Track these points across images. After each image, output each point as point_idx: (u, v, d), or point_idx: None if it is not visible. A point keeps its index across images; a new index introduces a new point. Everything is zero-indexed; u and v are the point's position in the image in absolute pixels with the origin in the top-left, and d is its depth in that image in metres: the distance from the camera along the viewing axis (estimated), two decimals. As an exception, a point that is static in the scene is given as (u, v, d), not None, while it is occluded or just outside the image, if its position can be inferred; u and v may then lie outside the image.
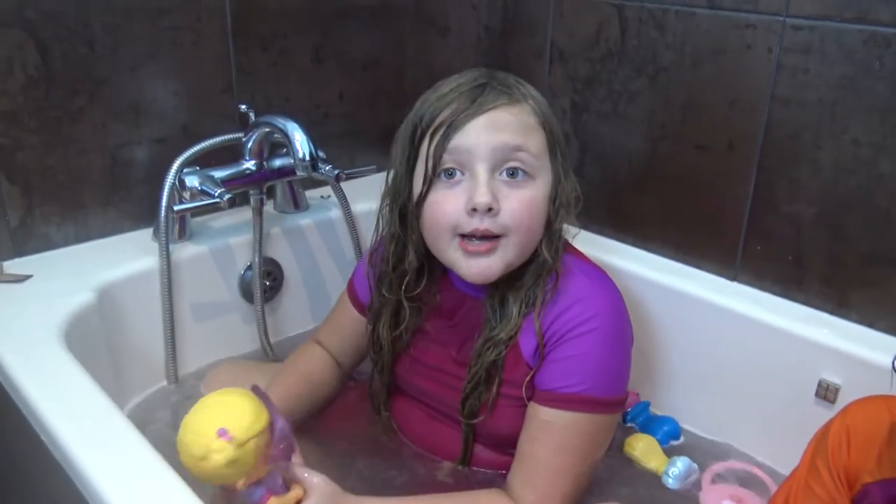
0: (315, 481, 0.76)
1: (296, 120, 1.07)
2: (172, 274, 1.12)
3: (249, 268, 1.23)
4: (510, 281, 0.86)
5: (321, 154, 1.11)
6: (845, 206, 0.98)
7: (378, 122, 1.45)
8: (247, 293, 1.24)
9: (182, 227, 1.18)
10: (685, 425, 1.11)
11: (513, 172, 0.81)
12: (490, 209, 0.80)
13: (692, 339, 1.09)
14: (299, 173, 1.07)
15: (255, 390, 0.74)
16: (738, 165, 1.06)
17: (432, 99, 0.84)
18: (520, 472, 0.84)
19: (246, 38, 1.25)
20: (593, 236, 1.23)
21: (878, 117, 0.93)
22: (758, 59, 1.01)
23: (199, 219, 1.25)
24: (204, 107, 1.23)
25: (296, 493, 0.75)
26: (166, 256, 1.10)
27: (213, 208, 1.10)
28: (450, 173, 0.82)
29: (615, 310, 0.86)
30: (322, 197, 1.37)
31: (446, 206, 0.82)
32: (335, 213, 1.33)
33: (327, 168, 1.12)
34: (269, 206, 1.30)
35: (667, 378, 1.13)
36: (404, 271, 0.90)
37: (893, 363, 0.67)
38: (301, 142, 1.04)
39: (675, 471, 0.99)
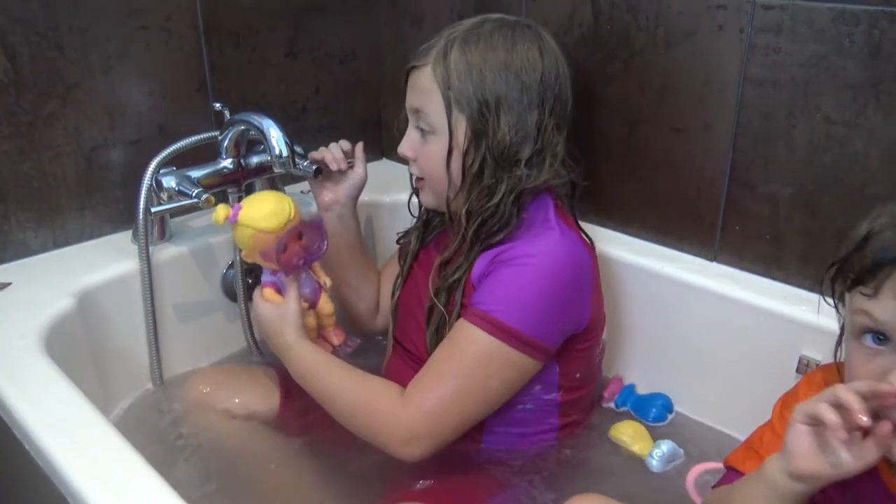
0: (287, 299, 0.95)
1: (271, 116, 1.06)
2: (153, 276, 1.11)
3: (231, 267, 1.22)
4: (477, 230, 0.93)
5: (298, 149, 1.10)
6: (820, 184, 0.98)
7: (356, 115, 1.45)
8: (229, 292, 1.23)
9: (161, 229, 1.17)
10: (679, 409, 1.12)
11: (419, 129, 0.94)
12: (406, 156, 0.96)
13: (674, 320, 1.10)
14: (277, 170, 1.07)
15: (317, 221, 0.97)
16: (715, 147, 1.06)
17: None
18: (420, 370, 0.90)
19: (218, 36, 1.24)
20: (581, 222, 1.22)
21: (850, 95, 0.93)
22: (730, 40, 1.01)
23: (178, 219, 1.24)
24: (179, 106, 1.22)
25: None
26: (146, 259, 1.10)
27: (190, 208, 1.10)
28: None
29: (559, 258, 0.89)
30: (301, 192, 1.34)
31: None
32: (315, 208, 1.29)
33: (305, 163, 1.10)
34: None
35: (650, 360, 1.14)
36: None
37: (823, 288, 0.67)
38: (277, 139, 1.03)
39: (660, 453, 1.00)
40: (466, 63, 0.90)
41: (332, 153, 1.07)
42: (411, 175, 1.01)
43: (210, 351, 1.22)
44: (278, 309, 0.95)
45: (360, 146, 1.09)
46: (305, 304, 0.97)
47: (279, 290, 0.97)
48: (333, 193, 1.08)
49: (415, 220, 1.09)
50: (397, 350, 1.05)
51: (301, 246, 0.94)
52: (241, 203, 0.94)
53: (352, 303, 1.13)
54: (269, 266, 0.96)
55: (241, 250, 0.97)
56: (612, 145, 1.17)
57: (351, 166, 1.09)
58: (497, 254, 0.90)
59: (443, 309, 0.93)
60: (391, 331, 1.07)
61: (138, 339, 1.12)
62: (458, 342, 0.88)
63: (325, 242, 0.97)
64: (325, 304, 1.01)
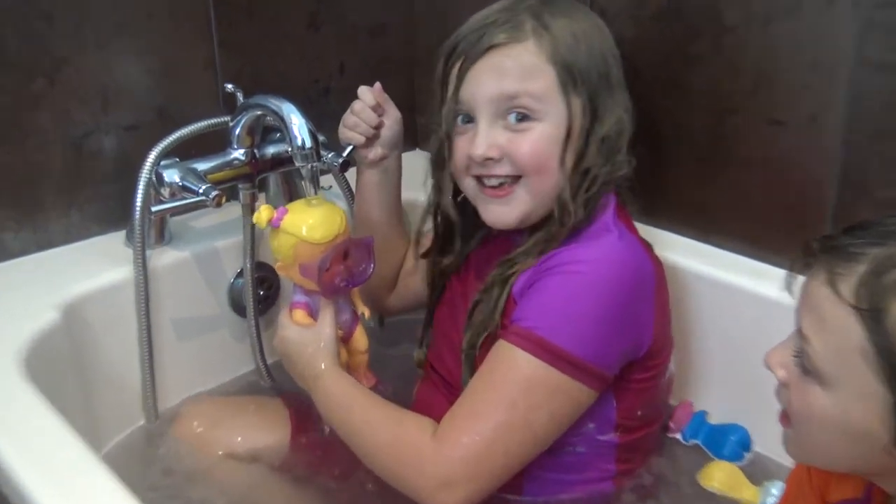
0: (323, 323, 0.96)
1: (291, 100, 1.05)
2: (150, 285, 1.11)
3: (240, 275, 1.22)
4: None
5: (322, 139, 1.09)
6: (954, 188, 0.96)
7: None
8: (237, 306, 1.24)
9: (160, 230, 1.17)
10: (758, 449, 1.10)
11: (517, 117, 0.91)
12: (490, 159, 0.92)
13: (763, 344, 1.04)
14: (298, 163, 1.04)
15: (366, 241, 0.98)
16: (822, 142, 1.04)
17: (465, 29, 0.95)
18: (456, 401, 0.89)
19: (229, 5, 1.24)
20: (646, 228, 1.19)
21: None
22: (841, 16, 0.98)
23: (178, 218, 1.23)
24: (183, 87, 1.22)
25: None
26: (142, 265, 1.10)
27: (196, 207, 1.10)
28: (466, 118, 0.95)
29: (617, 264, 0.88)
30: (323, 188, 1.33)
31: (460, 151, 0.96)
32: (338, 205, 1.27)
33: (330, 155, 1.10)
34: (261, 202, 1.25)
35: (738, 395, 1.12)
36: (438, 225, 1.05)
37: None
38: (299, 126, 1.01)
39: (773, 500, 0.99)
40: (572, 32, 0.91)
41: (363, 123, 1.07)
42: (433, 187, 1.01)
43: (213, 374, 1.23)
44: (310, 333, 0.96)
45: (377, 87, 1.08)
46: (340, 333, 0.98)
47: (311, 314, 0.98)
48: (381, 147, 1.09)
49: (435, 227, 1.07)
50: (430, 375, 1.05)
51: (345, 266, 0.95)
52: (288, 206, 0.95)
53: None
54: (305, 284, 0.96)
55: (276, 261, 0.98)
56: (695, 139, 1.16)
57: (381, 116, 1.09)
58: (542, 260, 0.90)
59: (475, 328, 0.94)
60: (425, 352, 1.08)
61: (131, 359, 1.12)
62: (497, 367, 0.87)
63: (372, 266, 0.98)
64: (360, 339, 1.01)
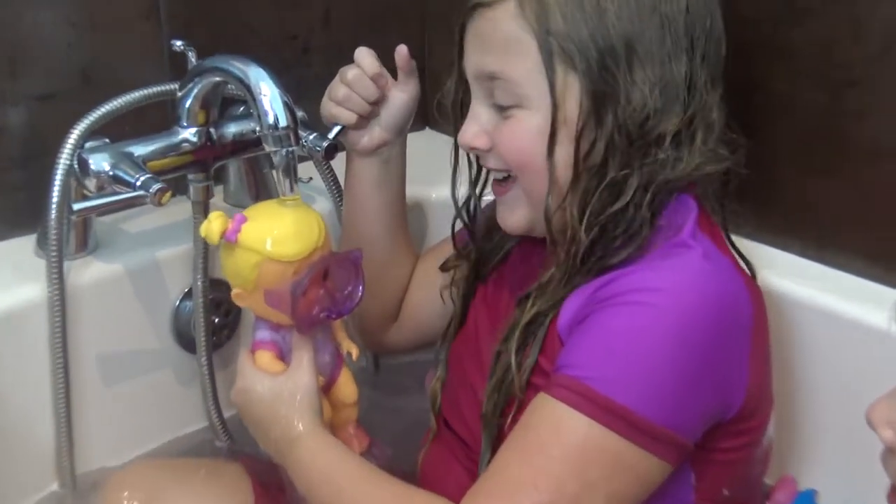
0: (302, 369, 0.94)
1: (260, 63, 0.99)
2: (68, 307, 1.10)
3: (188, 296, 1.20)
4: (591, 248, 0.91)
5: (301, 115, 1.04)
6: None
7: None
8: (184, 337, 1.22)
9: (82, 235, 1.15)
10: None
11: (502, 100, 0.91)
12: (475, 147, 0.93)
13: None
14: (269, 147, 0.97)
15: (352, 255, 0.95)
16: (981, 127, 0.99)
17: None
18: (481, 476, 0.87)
19: (178, -65, 1.21)
20: (737, 239, 1.14)
21: None
22: None
23: (107, 219, 1.22)
24: (115, 44, 1.21)
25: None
26: (58, 280, 1.08)
27: (131, 204, 1.07)
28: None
29: (700, 295, 0.84)
30: (301, 180, 1.27)
31: None
32: (321, 204, 1.28)
33: (311, 137, 1.07)
34: (218, 198, 1.26)
35: (860, 466, 1.01)
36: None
37: None
38: (271, 98, 0.96)
39: None
40: None
41: (357, 97, 1.04)
42: (474, 173, 1.01)
43: (151, 430, 1.21)
44: (282, 383, 0.93)
45: (403, 52, 1.05)
46: (321, 381, 0.94)
47: (281, 356, 0.95)
48: (380, 128, 1.06)
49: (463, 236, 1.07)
50: (443, 433, 1.03)
51: (326, 290, 0.92)
52: (246, 213, 0.92)
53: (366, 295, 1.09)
54: (272, 316, 0.93)
55: (231, 286, 0.94)
56: (801, 120, 1.13)
57: (383, 89, 1.05)
58: (598, 286, 0.86)
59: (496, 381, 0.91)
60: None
61: (42, 405, 1.11)
62: (538, 430, 0.84)
63: (361, 288, 0.95)
64: (347, 387, 0.99)
